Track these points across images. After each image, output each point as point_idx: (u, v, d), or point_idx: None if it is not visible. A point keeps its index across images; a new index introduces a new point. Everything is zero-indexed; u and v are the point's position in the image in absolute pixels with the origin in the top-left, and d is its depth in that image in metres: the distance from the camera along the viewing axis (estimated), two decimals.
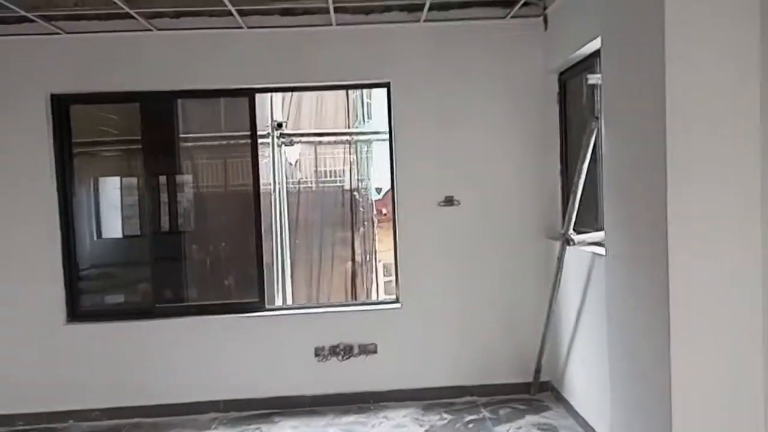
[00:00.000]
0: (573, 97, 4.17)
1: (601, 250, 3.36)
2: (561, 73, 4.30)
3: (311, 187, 5.57)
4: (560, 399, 4.32)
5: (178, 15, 4.12)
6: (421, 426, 4.07)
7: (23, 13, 3.90)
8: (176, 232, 4.68)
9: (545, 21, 4.37)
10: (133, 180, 4.94)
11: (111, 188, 5.02)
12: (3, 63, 4.33)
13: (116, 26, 4.22)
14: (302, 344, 4.49)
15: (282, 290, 4.83)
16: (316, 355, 4.49)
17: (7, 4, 3.71)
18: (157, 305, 4.54)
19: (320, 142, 5.30)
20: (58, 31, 4.25)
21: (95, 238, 4.82)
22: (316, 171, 5.58)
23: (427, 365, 4.52)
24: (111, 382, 4.40)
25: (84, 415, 4.37)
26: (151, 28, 4.26)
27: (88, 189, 4.78)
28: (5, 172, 4.36)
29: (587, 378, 3.77)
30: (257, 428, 4.15)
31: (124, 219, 5.02)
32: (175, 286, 4.68)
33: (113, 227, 5.01)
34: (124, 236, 5.02)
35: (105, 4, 3.85)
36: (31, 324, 4.37)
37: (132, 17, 4.04)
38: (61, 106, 4.46)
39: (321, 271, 5.49)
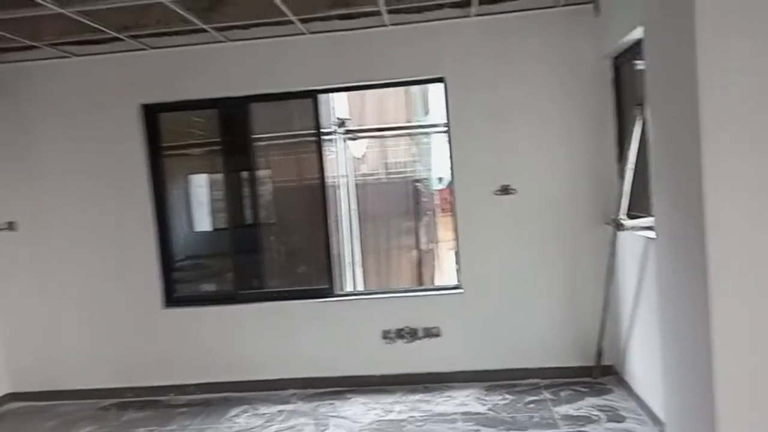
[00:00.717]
0: (628, 81, 4.15)
1: (653, 234, 3.39)
2: (615, 58, 4.28)
3: (378, 179, 5.83)
4: (621, 382, 4.36)
5: (247, 26, 4.48)
6: (483, 405, 4.25)
7: (115, 33, 4.39)
8: (256, 225, 5.11)
9: (596, 7, 4.36)
10: (218, 177, 5.42)
11: (199, 185, 5.53)
12: (101, 78, 4.89)
13: (194, 40, 4.65)
14: (370, 327, 4.79)
15: (352, 277, 5.15)
16: (384, 337, 4.77)
17: (100, 27, 4.21)
18: (239, 292, 5.00)
19: (383, 136, 5.54)
20: (145, 47, 4.74)
21: (188, 231, 5.34)
22: (381, 164, 5.84)
23: (489, 348, 4.69)
24: (203, 360, 4.92)
25: (182, 389, 4.91)
26: (224, 39, 4.66)
27: (179, 186, 5.28)
28: (108, 174, 4.93)
29: (647, 361, 3.81)
30: (331, 403, 4.49)
31: (212, 213, 5.53)
32: (255, 274, 5.11)
33: (203, 221, 5.53)
34: (214, 229, 5.54)
35: (183, 22, 4.27)
36: (135, 309, 4.97)
37: (206, 31, 4.45)
38: (151, 114, 4.97)
39: (388, 259, 5.76)
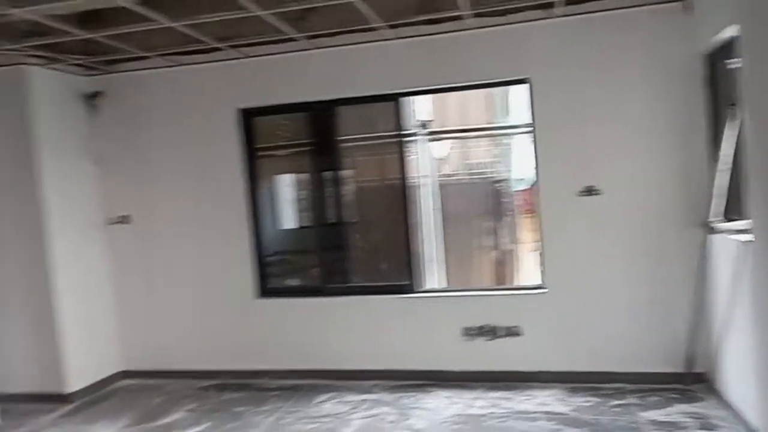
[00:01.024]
0: (721, 80, 4.00)
1: (749, 238, 3.28)
2: (707, 56, 4.13)
3: (460, 179, 5.91)
4: (713, 390, 4.22)
5: (333, 34, 4.70)
6: (565, 406, 4.25)
7: (216, 44, 4.75)
8: (340, 223, 5.34)
9: (687, 5, 4.23)
10: (304, 177, 5.72)
11: (286, 185, 5.85)
12: (201, 85, 5.29)
13: (285, 48, 4.93)
14: (451, 324, 4.90)
15: (433, 275, 5.27)
16: (464, 334, 4.87)
17: (203, 38, 4.57)
18: (326, 285, 5.26)
19: (465, 137, 5.61)
20: (242, 55, 5.08)
21: (275, 228, 5.67)
22: (463, 164, 5.90)
23: (572, 350, 4.67)
24: (293, 348, 5.23)
25: (274, 374, 5.24)
26: (313, 47, 4.92)
27: (269, 186, 5.62)
28: (209, 173, 5.33)
29: (742, 369, 3.68)
30: (413, 395, 4.65)
31: (297, 211, 5.83)
32: (340, 269, 5.35)
33: (289, 218, 5.85)
34: (299, 227, 5.84)
35: (276, 31, 4.55)
36: (231, 298, 5.35)
37: (297, 40, 4.72)
38: (247, 118, 5.32)
39: (469, 258, 5.83)
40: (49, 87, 5.03)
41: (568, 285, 4.67)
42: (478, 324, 4.85)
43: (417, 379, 4.92)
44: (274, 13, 4.13)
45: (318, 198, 5.38)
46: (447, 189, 5.49)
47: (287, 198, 5.80)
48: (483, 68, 4.72)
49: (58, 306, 4.99)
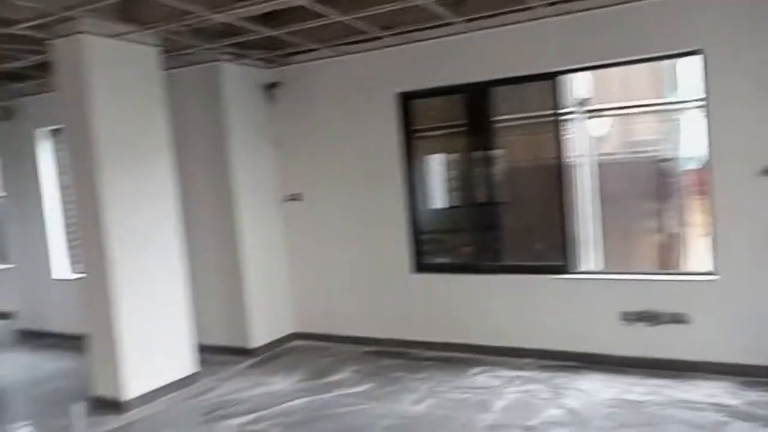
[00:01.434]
0: None
1: None
2: None
3: (620, 158, 5.66)
4: None
5: (491, 16, 4.77)
6: (736, 398, 4.01)
7: (379, 33, 5.06)
8: (491, 203, 5.43)
9: None
10: (454, 157, 5.87)
11: (438, 165, 6.05)
12: (364, 70, 5.65)
13: (443, 32, 5.10)
14: (608, 307, 4.80)
15: (589, 257, 5.17)
16: (622, 318, 4.75)
17: (366, 28, 4.89)
18: (479, 263, 5.41)
19: (627, 114, 5.35)
20: (401, 42, 5.34)
21: (426, 208, 5.90)
22: (624, 143, 5.63)
23: (746, 341, 4.36)
24: (446, 322, 5.48)
25: (427, 345, 5.54)
26: (470, 30, 5.02)
27: (420, 166, 5.85)
28: (370, 154, 5.70)
29: None
30: (567, 376, 4.65)
31: (448, 191, 6.01)
32: (493, 248, 5.44)
33: (439, 198, 6.06)
34: (450, 206, 6.03)
35: (435, 18, 4.73)
36: (389, 272, 5.73)
37: (455, 23, 4.85)
38: (405, 101, 5.59)
39: (628, 241, 5.59)
40: (237, 80, 5.72)
41: (743, 272, 4.34)
42: (638, 309, 4.69)
43: (570, 360, 4.91)
44: (435, 1, 4.31)
45: (469, 178, 5.51)
46: (606, 168, 5.30)
47: (438, 178, 6.01)
48: (649, 41, 4.49)
49: (244, 272, 5.72)
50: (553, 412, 4.05)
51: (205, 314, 5.79)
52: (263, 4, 4.08)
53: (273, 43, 5.38)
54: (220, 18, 4.30)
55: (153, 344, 4.78)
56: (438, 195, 6.01)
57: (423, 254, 5.70)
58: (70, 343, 6.65)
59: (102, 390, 4.67)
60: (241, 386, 4.98)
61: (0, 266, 8.23)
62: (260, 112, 5.99)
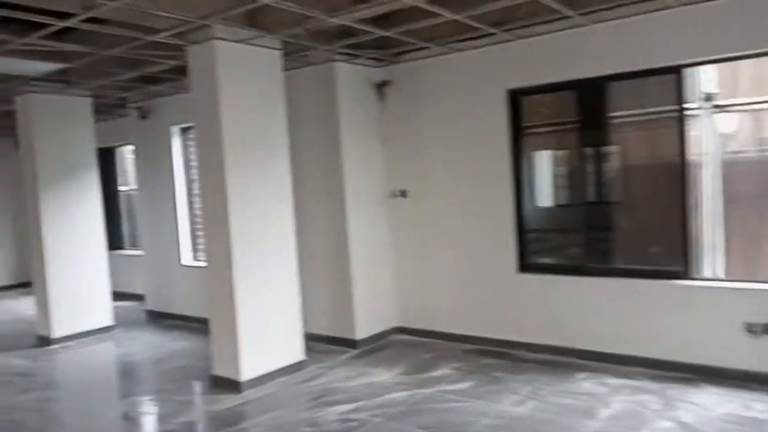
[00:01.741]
0: None
1: None
2: None
3: (750, 156, 5.24)
4: None
5: (611, 8, 4.59)
6: None
7: (490, 29, 5.04)
8: (603, 202, 5.23)
9: None
10: (563, 153, 5.71)
11: (546, 162, 5.91)
12: (472, 68, 5.65)
13: (556, 27, 4.98)
14: (730, 317, 4.48)
15: (712, 262, 4.84)
16: (747, 330, 4.41)
17: (479, 25, 4.89)
18: (587, 265, 5.23)
19: (761, 109, 4.93)
20: (512, 38, 5.28)
21: (533, 206, 5.78)
22: (755, 140, 5.20)
23: None
24: (550, 324, 5.36)
25: (530, 347, 5.45)
26: (586, 23, 4.86)
27: (528, 164, 5.74)
28: (476, 150, 5.69)
29: None
30: (680, 388, 4.39)
31: (555, 189, 5.86)
32: (603, 249, 5.25)
33: (546, 196, 5.91)
34: (556, 205, 5.88)
35: (549, 12, 4.64)
36: (493, 271, 5.70)
37: (570, 17, 4.73)
38: (515, 98, 5.52)
39: (757, 246, 5.15)
40: (349, 78, 5.93)
41: None
42: (765, 320, 4.34)
43: (684, 372, 4.64)
44: None
45: (580, 176, 5.34)
46: (732, 167, 4.92)
47: (547, 175, 5.88)
48: None
49: (352, 266, 5.92)
50: (664, 425, 3.85)
51: (313, 305, 6.08)
52: (380, 6, 4.21)
53: (385, 42, 5.53)
54: (337, 21, 4.49)
55: (267, 331, 5.09)
56: (546, 193, 5.88)
57: (529, 254, 5.61)
58: (192, 324, 7.25)
59: (221, 370, 5.04)
60: (345, 375, 5.18)
61: (133, 252, 9.11)
62: (370, 109, 6.17)
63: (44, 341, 6.79)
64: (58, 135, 6.87)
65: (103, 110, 8.33)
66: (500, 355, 5.45)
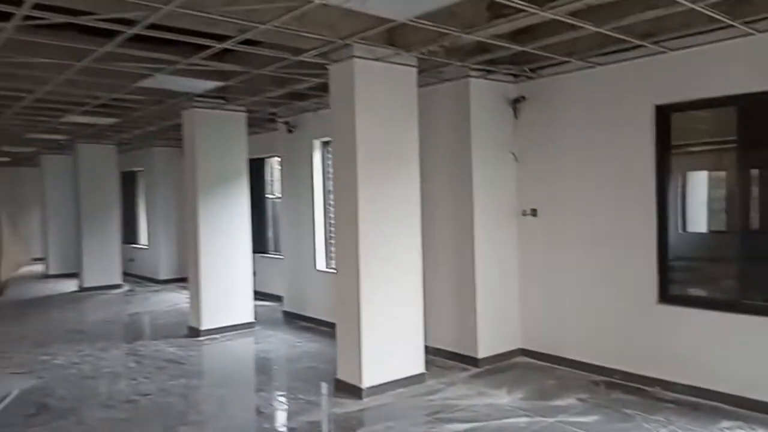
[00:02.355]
0: None
1: None
2: None
3: None
4: None
5: None
6: None
7: (638, 41, 4.72)
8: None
9: None
10: (719, 174, 5.16)
11: (698, 183, 5.39)
12: (618, 82, 5.32)
13: (714, 38, 4.56)
14: None
15: None
16: None
17: (625, 37, 4.61)
18: (742, 301, 4.67)
19: None
20: (664, 50, 4.91)
21: (680, 231, 5.29)
22: None
23: None
24: (693, 362, 4.86)
25: (668, 385, 4.98)
26: (752, 32, 4.39)
27: (676, 184, 5.27)
28: (616, 173, 5.36)
29: None
30: None
31: (710, 213, 5.31)
32: (763, 284, 4.67)
33: (698, 221, 5.38)
34: (709, 231, 5.33)
35: (706, 22, 4.26)
36: (629, 298, 5.30)
37: (732, 26, 4.30)
38: (663, 114, 5.12)
39: None
40: (484, 95, 5.90)
41: None
42: None
43: None
44: (708, 4, 3.89)
45: (741, 200, 4.80)
46: None
47: (698, 199, 5.36)
48: None
49: (477, 283, 5.85)
50: None
51: (435, 318, 6.08)
52: (517, 21, 4.15)
53: (522, 57, 5.43)
54: (473, 37, 4.50)
55: (389, 341, 5.19)
56: (697, 217, 5.37)
57: (673, 283, 5.15)
58: (323, 328, 7.60)
59: (344, 375, 5.22)
60: (465, 393, 5.11)
61: (276, 256, 9.77)
62: (503, 126, 6.08)
63: (194, 332, 7.50)
64: (216, 146, 7.59)
65: (256, 124, 9.09)
66: (633, 391, 5.05)
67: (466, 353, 5.93)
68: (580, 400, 4.88)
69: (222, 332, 7.54)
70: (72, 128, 9.49)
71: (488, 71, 5.75)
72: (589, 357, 5.57)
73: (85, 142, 11.52)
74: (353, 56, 4.91)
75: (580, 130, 5.63)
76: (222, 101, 7.41)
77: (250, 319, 7.89)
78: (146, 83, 5.91)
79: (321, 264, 8.06)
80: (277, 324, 8.19)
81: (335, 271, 5.40)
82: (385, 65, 5.09)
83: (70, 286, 12.09)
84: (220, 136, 7.62)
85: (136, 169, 13.64)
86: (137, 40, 4.55)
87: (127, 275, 13.08)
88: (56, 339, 7.52)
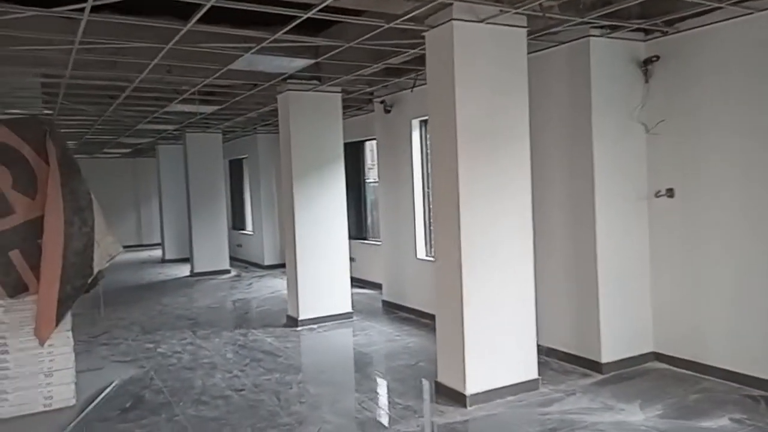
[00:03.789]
0: None
1: None
2: None
3: None
4: None
5: None
6: None
7: None
8: None
9: None
10: None
11: None
12: None
13: None
14: None
15: None
16: None
17: None
18: None
19: None
20: None
21: None
22: None
23: None
24: None
25: None
26: None
27: None
28: None
29: None
30: None
31: None
32: None
33: None
34: None
35: None
36: None
37: None
38: None
39: None
40: (607, 56, 5.04)
41: None
42: None
43: None
44: None
45: None
46: None
47: None
48: None
49: (599, 275, 5.06)
50: None
51: (548, 314, 5.39)
52: None
53: (654, 8, 4.54)
54: None
55: (497, 341, 4.59)
56: None
57: None
58: (424, 320, 7.12)
59: (445, 378, 4.70)
60: (587, 406, 4.39)
61: (376, 242, 9.41)
62: (631, 92, 5.18)
63: (292, 321, 7.31)
64: (311, 129, 7.28)
65: (353, 105, 8.72)
66: None
67: (587, 356, 5.18)
68: (734, 420, 4.01)
69: (319, 322, 7.29)
70: (177, 117, 9.67)
71: (612, 27, 4.89)
72: (742, 366, 4.62)
73: (192, 131, 11.82)
74: (452, 19, 4.29)
75: (730, 92, 4.62)
76: (316, 82, 7.08)
77: (348, 309, 7.57)
78: (237, 65, 5.66)
79: (421, 252, 7.57)
80: (376, 314, 7.82)
81: (434, 260, 4.86)
82: (489, 28, 4.43)
83: (184, 271, 12.56)
84: (315, 119, 7.30)
85: (242, 156, 13.90)
86: (220, 18, 4.25)
87: (236, 260, 13.44)
88: (163, 325, 7.65)
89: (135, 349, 6.54)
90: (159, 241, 16.05)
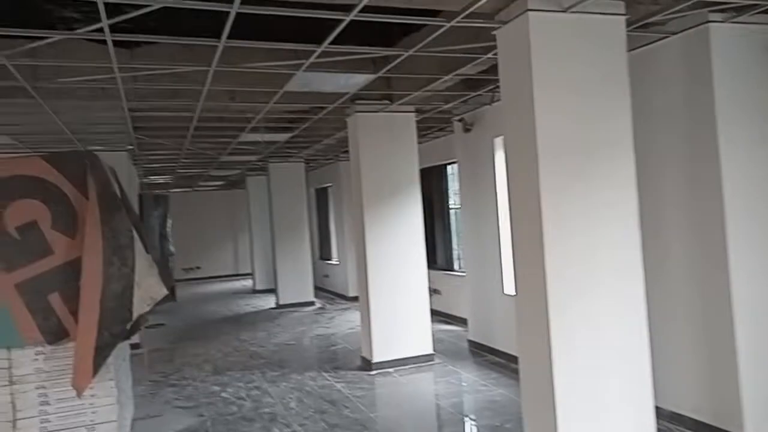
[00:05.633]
0: None
1: None
2: None
3: None
4: None
5: None
6: None
7: None
8: None
9: None
10: None
11: None
12: None
13: None
14: None
15: None
16: None
17: None
18: None
19: None
20: None
21: None
22: None
23: None
24: None
25: None
26: None
27: None
28: None
29: None
30: None
31: None
32: None
33: None
34: None
35: None
36: None
37: None
38: None
39: None
40: (731, 46, 4.02)
41: None
42: None
43: None
44: None
45: None
46: None
47: None
48: None
49: (736, 324, 3.95)
50: None
51: (669, 371, 4.34)
52: None
53: None
54: None
55: (599, 399, 3.63)
56: None
57: None
58: (514, 365, 6.19)
59: None
60: None
61: (461, 274, 8.58)
62: (764, 85, 4.11)
63: (366, 364, 6.66)
64: (383, 152, 6.69)
65: (433, 126, 8.06)
66: None
67: (724, 427, 4.05)
68: None
69: (396, 365, 6.57)
70: (254, 147, 9.48)
71: (737, 10, 3.88)
72: None
73: (275, 161, 11.70)
74: (528, 10, 3.52)
75: None
76: (387, 102, 6.50)
77: (429, 350, 6.80)
78: (292, 86, 5.18)
79: (509, 287, 6.66)
80: (461, 356, 6.97)
81: (515, 295, 4.00)
82: (575, 18, 3.61)
83: (270, 302, 12.36)
84: (387, 141, 6.70)
85: (327, 184, 13.64)
86: (259, 33, 3.81)
87: (323, 291, 13.09)
88: (235, 365, 7.27)
89: (200, 393, 6.15)
90: (250, 271, 16.14)
